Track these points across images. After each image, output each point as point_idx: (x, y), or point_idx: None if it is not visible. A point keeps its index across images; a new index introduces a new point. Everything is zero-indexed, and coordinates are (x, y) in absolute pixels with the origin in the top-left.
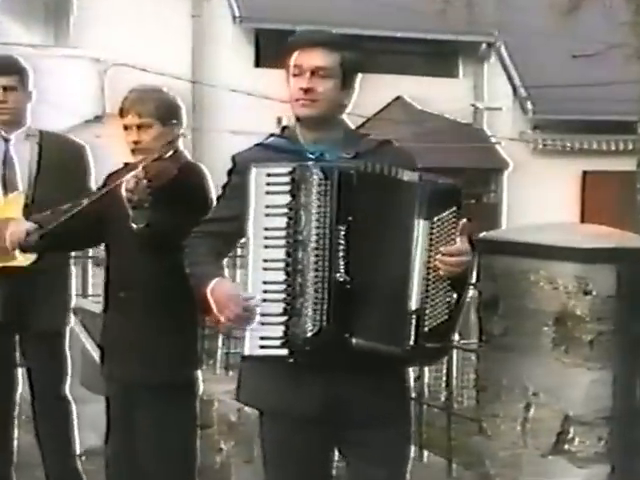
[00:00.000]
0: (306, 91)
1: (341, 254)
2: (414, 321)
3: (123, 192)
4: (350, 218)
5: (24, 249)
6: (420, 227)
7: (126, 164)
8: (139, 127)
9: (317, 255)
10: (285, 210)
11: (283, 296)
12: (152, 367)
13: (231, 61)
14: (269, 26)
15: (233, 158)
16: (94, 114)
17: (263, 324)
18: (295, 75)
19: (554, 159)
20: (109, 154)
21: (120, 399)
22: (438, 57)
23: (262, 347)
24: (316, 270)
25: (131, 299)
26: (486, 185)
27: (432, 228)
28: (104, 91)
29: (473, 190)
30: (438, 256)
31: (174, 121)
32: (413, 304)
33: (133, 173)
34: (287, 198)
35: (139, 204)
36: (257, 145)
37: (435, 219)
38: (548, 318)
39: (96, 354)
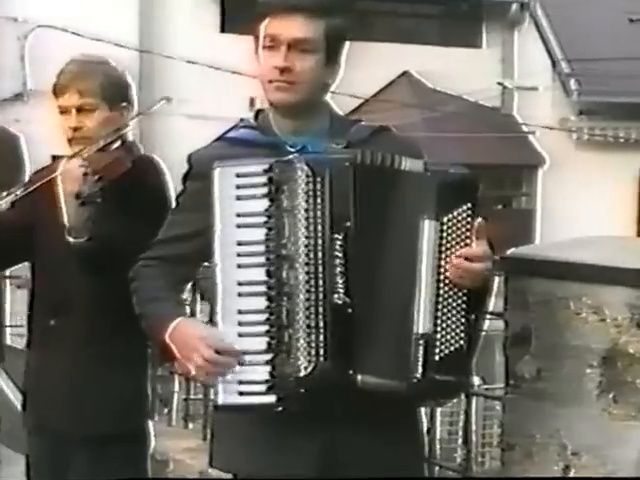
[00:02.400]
0: (282, 71)
1: (339, 270)
2: (421, 348)
3: (60, 192)
4: (348, 224)
5: None
6: (426, 229)
7: (55, 157)
8: (79, 109)
9: (308, 273)
10: (263, 218)
11: (266, 328)
12: (90, 415)
13: (189, 25)
14: None
15: (189, 158)
16: (12, 91)
17: (242, 364)
18: (267, 47)
19: (604, 153)
20: (33, 144)
21: (48, 457)
22: (455, 21)
23: (241, 393)
24: (308, 292)
25: (65, 329)
26: (517, 186)
27: (441, 231)
28: (24, 61)
29: (500, 192)
30: (450, 263)
31: (124, 103)
32: (420, 326)
33: (76, 162)
34: (265, 203)
35: (88, 200)
36: (219, 139)
37: (445, 219)
38: (593, 358)
39: (18, 401)
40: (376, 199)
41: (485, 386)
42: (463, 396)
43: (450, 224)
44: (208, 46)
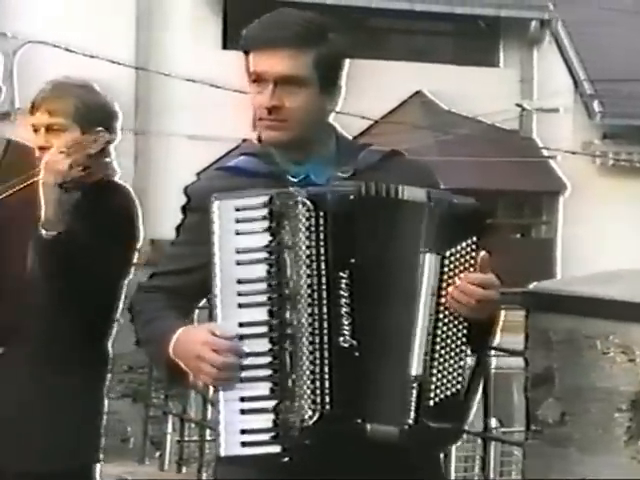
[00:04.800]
0: (270, 110)
1: (344, 310)
2: (415, 392)
3: (41, 183)
4: (352, 261)
5: None
6: (427, 264)
7: None
8: (48, 129)
9: (312, 314)
10: (264, 254)
11: (269, 372)
12: (32, 450)
13: (189, 41)
14: None
15: (186, 190)
16: None
17: (244, 412)
18: (254, 83)
19: (629, 179)
20: None
21: None
22: (471, 39)
23: (244, 444)
24: (311, 334)
25: (15, 357)
26: (536, 214)
27: (443, 266)
28: (13, 78)
29: (519, 220)
30: (453, 287)
31: (99, 128)
32: (414, 369)
33: (61, 154)
34: (266, 238)
35: (72, 186)
36: (218, 169)
37: (447, 253)
38: (621, 401)
39: None
40: (380, 232)
41: (503, 429)
42: (479, 440)
43: (453, 259)
44: (209, 63)
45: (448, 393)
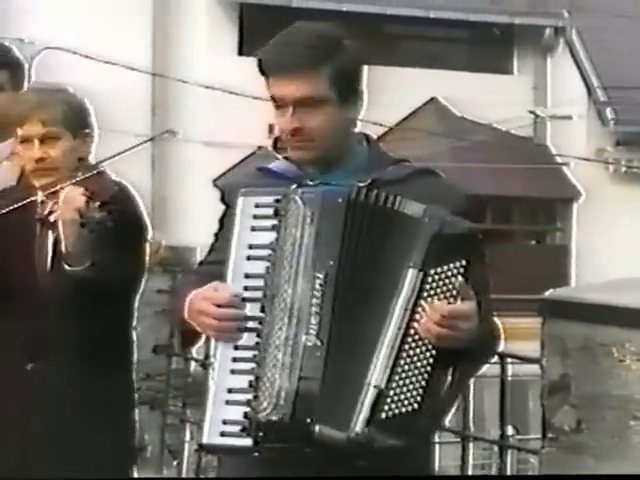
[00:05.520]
0: (293, 133)
1: (314, 310)
2: (368, 401)
3: (60, 221)
4: (331, 263)
5: None
6: (408, 278)
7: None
8: (42, 139)
9: (283, 310)
10: (267, 252)
11: (252, 365)
12: (70, 466)
13: (206, 47)
14: (256, 0)
15: (223, 186)
16: None
17: (227, 402)
18: (275, 106)
19: None
20: None
21: None
22: (486, 46)
23: (223, 434)
24: (280, 330)
25: (44, 373)
26: (550, 221)
27: (424, 283)
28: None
29: (533, 227)
30: (422, 317)
31: (86, 130)
32: (373, 379)
33: (76, 190)
34: (271, 236)
35: (97, 226)
36: (258, 169)
37: (432, 271)
38: (637, 409)
39: None
40: (367, 239)
41: (519, 437)
42: (495, 448)
43: (436, 278)
44: (225, 70)
45: (403, 410)
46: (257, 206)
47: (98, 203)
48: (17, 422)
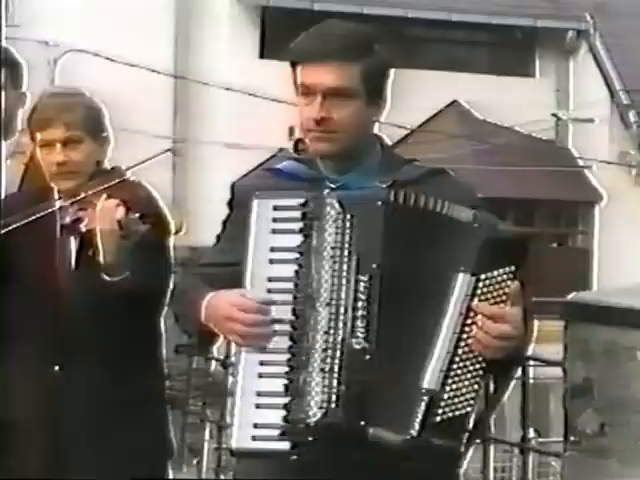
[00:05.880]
0: (319, 122)
1: (360, 313)
2: (424, 405)
3: (98, 232)
4: (374, 266)
5: None
6: (459, 282)
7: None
8: (65, 143)
9: (329, 314)
10: (295, 255)
11: (285, 369)
12: (104, 468)
13: (227, 50)
14: (278, 4)
15: (232, 187)
16: None
17: (258, 406)
18: (303, 95)
19: None
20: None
21: None
22: (508, 49)
23: (255, 438)
24: (326, 334)
25: (72, 376)
26: (572, 224)
27: (476, 288)
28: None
29: (555, 230)
30: (475, 324)
31: (103, 134)
32: (426, 382)
33: (112, 201)
34: (298, 239)
35: (140, 238)
36: (265, 170)
37: (482, 276)
38: None
39: None
40: (410, 242)
41: (540, 439)
42: (516, 450)
43: (487, 282)
44: (246, 72)
45: (457, 413)
46: (276, 209)
47: (138, 215)
48: (44, 424)
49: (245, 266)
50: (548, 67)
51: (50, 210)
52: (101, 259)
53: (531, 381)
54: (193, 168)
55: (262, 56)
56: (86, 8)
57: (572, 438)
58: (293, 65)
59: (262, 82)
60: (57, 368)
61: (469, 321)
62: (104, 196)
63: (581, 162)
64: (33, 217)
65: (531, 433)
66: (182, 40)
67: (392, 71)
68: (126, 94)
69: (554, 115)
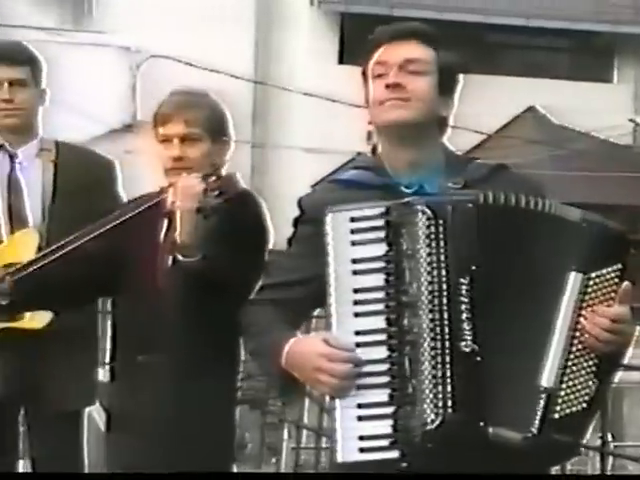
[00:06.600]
0: (394, 87)
1: (465, 316)
2: (542, 402)
3: (177, 209)
4: (473, 267)
5: None
6: (571, 281)
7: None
8: (183, 139)
9: (433, 319)
10: (381, 263)
11: (387, 379)
12: (174, 456)
13: (307, 56)
14: (358, 9)
15: (300, 202)
16: (122, 122)
17: (360, 419)
18: (377, 76)
19: None
20: (142, 176)
21: None
22: (586, 55)
23: (362, 450)
24: (433, 339)
25: (154, 366)
26: None
27: (587, 286)
28: (136, 91)
29: (634, 236)
30: (588, 321)
31: (224, 138)
32: (545, 380)
33: (194, 178)
34: (383, 247)
35: (210, 212)
36: (332, 181)
37: (593, 274)
38: None
39: None
40: (506, 242)
41: (614, 443)
42: (591, 454)
43: (597, 280)
44: (325, 77)
45: (574, 409)
46: (353, 220)
47: (217, 192)
48: (128, 413)
49: (328, 281)
50: (627, 73)
51: (153, 202)
52: (177, 237)
53: None
54: (272, 173)
55: (341, 61)
56: (167, 14)
57: None
58: (374, 49)
59: (341, 87)
60: (140, 358)
61: (582, 319)
62: (184, 173)
63: None
64: (129, 214)
65: (610, 438)
66: (262, 46)
67: (463, 76)
68: None
69: (632, 121)
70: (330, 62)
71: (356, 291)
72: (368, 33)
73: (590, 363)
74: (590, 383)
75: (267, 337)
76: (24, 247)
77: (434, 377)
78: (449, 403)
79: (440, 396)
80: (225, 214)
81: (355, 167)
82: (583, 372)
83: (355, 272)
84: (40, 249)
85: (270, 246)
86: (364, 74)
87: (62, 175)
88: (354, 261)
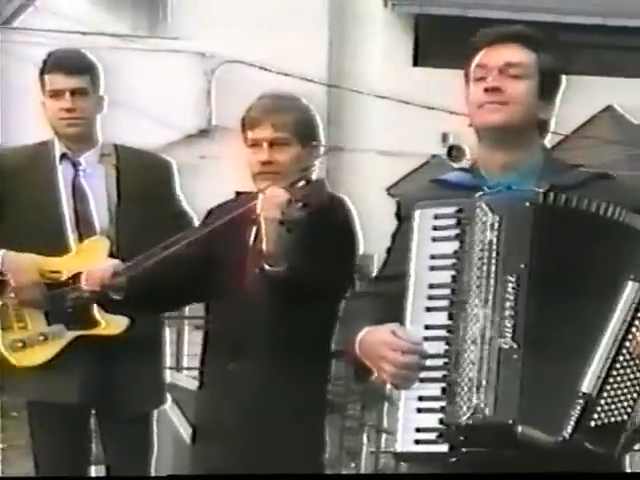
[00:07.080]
0: (492, 91)
1: (508, 313)
2: (579, 407)
3: (262, 218)
4: (522, 266)
5: (106, 296)
6: (628, 290)
7: (239, 194)
8: (271, 144)
9: (476, 315)
10: (452, 261)
11: (443, 373)
12: (263, 464)
13: (381, 58)
14: (432, 11)
15: (397, 200)
16: (198, 127)
17: (419, 411)
18: (478, 80)
19: None
20: (218, 181)
21: None
22: None
23: (417, 442)
24: (474, 335)
25: (243, 373)
26: None
27: None
28: (211, 96)
29: None
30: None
31: (314, 142)
32: (584, 386)
33: (280, 189)
34: (455, 245)
35: (293, 225)
36: (431, 181)
37: None
38: None
39: (188, 436)
40: (563, 243)
41: None
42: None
43: None
44: (400, 80)
45: (612, 420)
46: (436, 217)
47: (301, 204)
48: (217, 420)
49: (408, 274)
50: None
51: (245, 208)
52: (264, 246)
53: None
54: (347, 176)
55: (415, 64)
56: (240, 19)
57: None
58: (475, 52)
59: (415, 89)
60: (231, 365)
61: (634, 329)
62: (269, 183)
63: None
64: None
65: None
66: (336, 48)
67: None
68: None
69: None
70: (404, 64)
71: (431, 286)
72: (443, 34)
73: (637, 375)
74: (635, 396)
75: (349, 327)
76: (94, 255)
77: (471, 371)
78: (482, 398)
79: (474, 390)
80: (311, 224)
81: (458, 169)
82: (628, 383)
83: (432, 268)
84: (112, 255)
85: (361, 252)
86: (466, 76)
87: (125, 178)
88: (432, 257)
